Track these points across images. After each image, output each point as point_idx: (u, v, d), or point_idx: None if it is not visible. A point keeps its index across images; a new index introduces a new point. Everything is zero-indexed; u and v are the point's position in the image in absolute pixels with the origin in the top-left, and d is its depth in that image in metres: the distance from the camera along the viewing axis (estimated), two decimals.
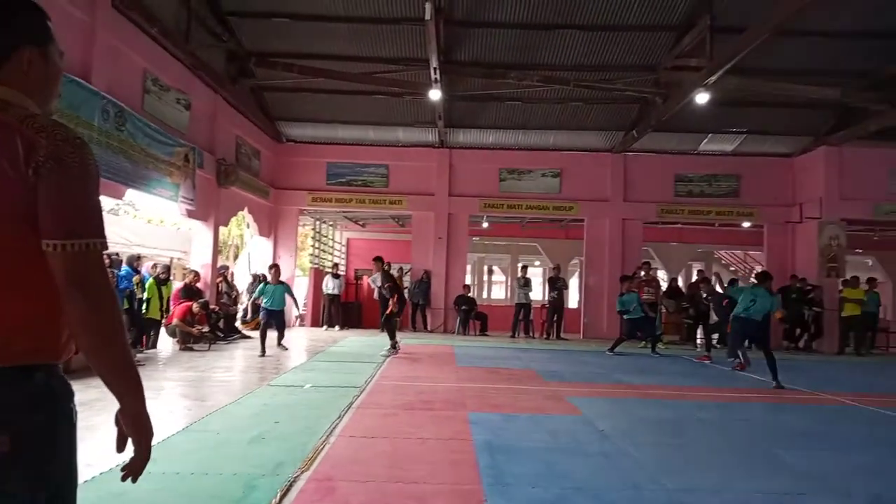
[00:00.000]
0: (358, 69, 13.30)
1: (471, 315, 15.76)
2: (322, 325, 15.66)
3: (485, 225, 19.96)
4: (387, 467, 3.91)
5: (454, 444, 4.54)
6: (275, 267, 10.66)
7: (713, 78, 10.66)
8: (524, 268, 16.34)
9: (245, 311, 14.14)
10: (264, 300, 10.15)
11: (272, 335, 10.04)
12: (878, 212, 14.79)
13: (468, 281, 17.93)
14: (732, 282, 12.98)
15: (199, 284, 11.44)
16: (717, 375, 9.26)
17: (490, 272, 35.92)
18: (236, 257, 21.89)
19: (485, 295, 33.98)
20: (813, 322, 14.39)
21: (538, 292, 20.72)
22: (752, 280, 9.21)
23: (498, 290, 37.58)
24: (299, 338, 12.92)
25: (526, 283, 15.42)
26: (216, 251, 12.95)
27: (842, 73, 12.89)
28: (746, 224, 16.92)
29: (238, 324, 13.04)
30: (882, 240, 21.53)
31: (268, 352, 9.60)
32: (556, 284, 15.12)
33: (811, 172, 15.20)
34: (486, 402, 6.33)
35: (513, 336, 15.25)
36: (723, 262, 28.18)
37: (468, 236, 17.26)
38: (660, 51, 12.65)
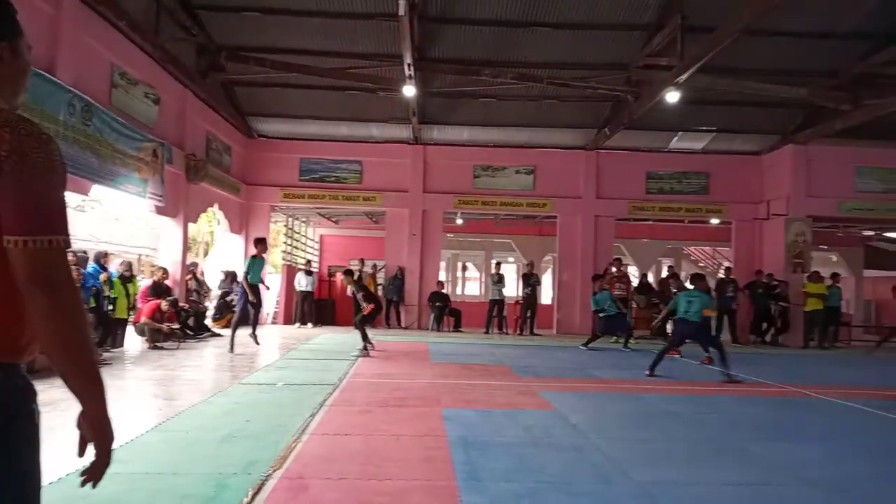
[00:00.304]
0: (331, 64, 13.19)
1: (445, 311, 15.77)
2: (294, 323, 15.53)
3: (459, 221, 19.97)
4: (360, 465, 3.90)
5: (428, 440, 4.54)
6: (262, 239, 10.66)
7: (683, 77, 10.81)
8: (498, 264, 16.42)
9: (217, 308, 13.96)
10: (251, 276, 10.00)
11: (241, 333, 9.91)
12: (842, 209, 15.18)
13: (442, 277, 17.95)
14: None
15: (167, 282, 11.25)
16: (687, 369, 9.42)
17: (464, 269, 35.99)
18: (206, 254, 21.58)
19: (459, 291, 34.02)
20: (779, 317, 14.72)
21: (512, 288, 20.83)
22: (688, 284, 9.37)
23: (472, 287, 37.66)
24: (272, 335, 12.79)
25: (500, 280, 15.50)
26: (185, 248, 12.75)
27: (809, 72, 13.20)
28: (715, 221, 17.22)
29: (209, 322, 12.86)
30: (846, 236, 22.10)
31: (237, 349, 9.47)
32: (530, 281, 15.21)
33: (778, 170, 15.53)
34: (460, 398, 6.35)
35: (487, 332, 15.31)
36: (692, 258, 28.65)
37: (442, 233, 17.26)
38: (632, 49, 12.78)
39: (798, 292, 14.45)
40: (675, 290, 12.92)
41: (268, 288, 12.02)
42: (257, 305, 10.29)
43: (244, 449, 4.13)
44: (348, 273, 10.66)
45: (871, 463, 4.31)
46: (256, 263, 10.10)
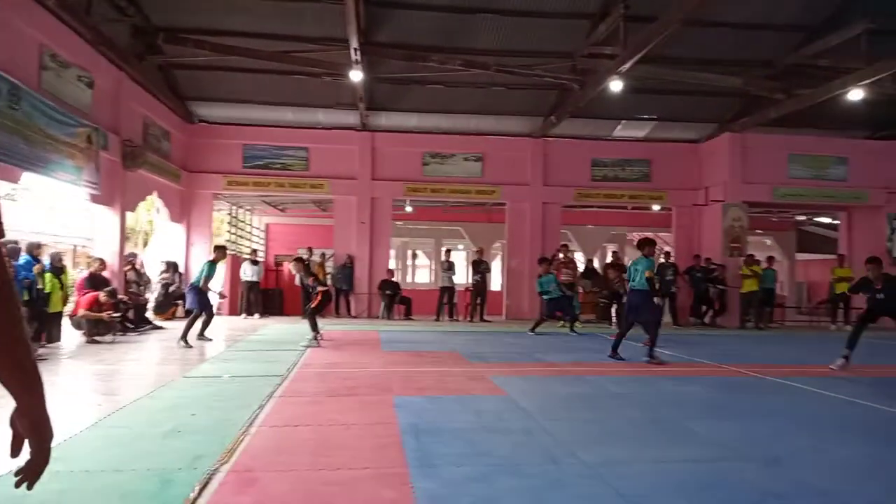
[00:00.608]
0: (275, 47, 12.88)
1: (395, 299, 15.74)
2: (240, 314, 15.21)
3: (408, 209, 19.91)
4: (310, 455, 3.86)
5: (379, 428, 4.54)
6: (223, 248, 10.65)
7: (626, 66, 11.04)
8: (448, 251, 16.44)
9: (158, 300, 13.52)
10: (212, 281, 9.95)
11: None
12: (776, 194, 15.85)
13: (392, 265, 17.87)
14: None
15: (105, 273, 10.82)
16: (632, 351, 9.69)
17: (414, 256, 35.95)
18: (146, 244, 20.84)
19: (409, 279, 34.00)
20: (717, 299, 15.31)
21: (462, 275, 20.95)
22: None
23: (422, 275, 37.69)
24: (217, 327, 12.48)
25: (450, 267, 15.55)
26: (123, 238, 12.29)
27: (745, 62, 13.70)
28: (656, 207, 17.73)
29: (150, 314, 12.46)
30: (780, 220, 23.13)
31: (186, 341, 9.21)
32: (480, 267, 15.33)
33: (716, 158, 16.07)
34: (411, 385, 6.36)
35: (437, 319, 15.37)
36: (635, 243, 29.39)
37: (391, 220, 17.18)
38: (577, 38, 12.96)
39: (735, 275, 15.05)
40: (618, 278, 13.30)
41: (221, 296, 11.70)
42: (210, 314, 10.05)
43: (190, 443, 4.04)
44: (298, 260, 10.42)
45: (806, 437, 4.54)
46: (212, 270, 9.90)
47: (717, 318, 15.41)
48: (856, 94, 12.03)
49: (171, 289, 13.73)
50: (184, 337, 9.15)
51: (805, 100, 12.97)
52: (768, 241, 24.20)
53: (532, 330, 11.99)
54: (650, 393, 6.25)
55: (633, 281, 8.40)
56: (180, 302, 13.92)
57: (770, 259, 16.13)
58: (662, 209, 17.83)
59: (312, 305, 9.82)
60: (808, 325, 16.94)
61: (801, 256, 25.15)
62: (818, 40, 12.57)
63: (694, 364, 8.35)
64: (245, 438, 4.17)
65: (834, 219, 20.39)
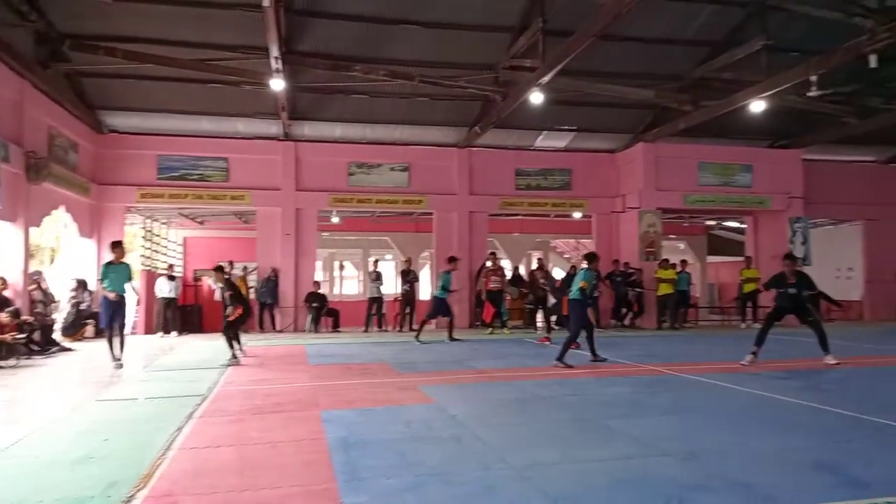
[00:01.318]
0: (190, 55, 12.47)
1: (322, 312, 15.47)
2: (157, 332, 14.51)
3: (335, 220, 19.65)
4: (234, 476, 3.72)
5: (307, 444, 4.43)
6: (118, 243, 9.36)
7: (546, 78, 11.35)
8: (375, 262, 16.33)
9: (67, 320, 12.70)
10: (106, 284, 8.76)
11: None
12: (687, 201, 16.65)
13: (319, 277, 17.57)
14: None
15: (7, 293, 10.09)
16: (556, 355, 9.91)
17: (342, 267, 35.49)
18: (53, 262, 19.58)
19: (337, 291, 33.52)
20: (635, 301, 15.92)
21: (391, 285, 20.87)
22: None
23: (350, 286, 37.25)
24: (132, 347, 11.86)
25: (378, 278, 15.44)
26: (27, 255, 11.49)
27: (656, 76, 14.40)
28: (578, 215, 18.26)
29: (57, 335, 11.69)
30: (691, 225, 24.38)
31: (105, 363, 8.68)
32: (408, 277, 15.30)
33: (631, 167, 16.75)
34: (339, 398, 6.26)
35: (366, 330, 15.21)
36: (558, 250, 30.28)
37: (317, 232, 16.88)
38: (498, 50, 13.25)
39: (651, 278, 15.71)
40: (542, 281, 13.60)
41: (137, 299, 10.93)
42: (122, 325, 9.15)
43: (103, 470, 3.81)
44: (218, 269, 9.77)
45: (720, 431, 4.78)
46: (112, 270, 8.96)
47: (636, 319, 16.02)
48: (757, 106, 12.86)
49: (82, 307, 12.96)
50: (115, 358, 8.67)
51: (712, 111, 13.74)
52: (681, 246, 25.44)
53: (417, 337, 11.99)
54: (575, 395, 6.41)
55: (571, 290, 8.72)
56: (91, 321, 13.18)
57: (683, 262, 16.94)
58: (584, 216, 18.39)
59: (230, 319, 9.34)
60: (720, 325, 17.90)
61: (711, 259, 26.62)
62: (722, 55, 13.37)
63: (616, 365, 8.63)
64: (163, 462, 3.98)
65: (741, 223, 21.68)
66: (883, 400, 5.97)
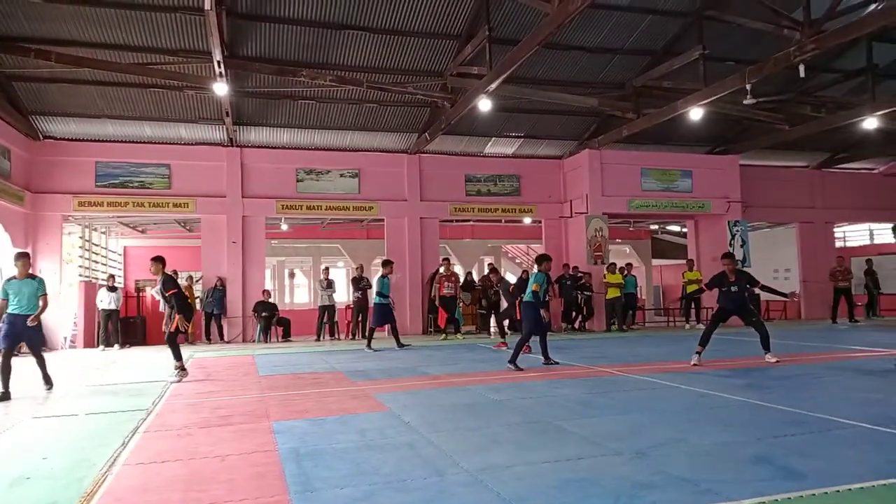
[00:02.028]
0: (129, 59, 12.10)
1: (272, 321, 15.18)
2: (98, 346, 13.96)
3: (284, 227, 19.37)
4: (182, 491, 3.61)
5: (257, 456, 4.34)
6: (24, 255, 7.91)
7: (493, 86, 11.48)
8: (326, 269, 16.13)
9: None
10: (11, 304, 7.44)
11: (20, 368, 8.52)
12: (631, 206, 17.12)
13: (268, 286, 17.24)
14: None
15: None
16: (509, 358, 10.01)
17: (291, 275, 34.94)
18: None
19: (287, 299, 32.99)
20: (585, 305, 16.24)
21: (343, 293, 20.66)
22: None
23: (301, 294, 36.70)
24: (70, 361, 11.38)
25: (329, 285, 15.25)
26: None
27: (599, 84, 14.79)
28: (528, 220, 18.52)
29: None
30: (636, 230, 25.06)
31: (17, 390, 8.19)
32: (360, 284, 15.16)
33: (578, 173, 17.11)
34: (291, 409, 6.15)
35: (318, 339, 15.01)
36: (510, 255, 30.59)
37: (266, 239, 16.57)
38: (446, 57, 13.36)
39: (599, 282, 16.05)
40: (495, 286, 13.72)
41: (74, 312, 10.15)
42: (37, 346, 8.01)
43: (42, 490, 3.64)
44: (157, 260, 8.55)
45: (667, 429, 4.91)
46: (12, 287, 7.53)
47: (585, 322, 16.33)
48: (696, 113, 13.34)
49: None
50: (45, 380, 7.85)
51: (653, 118, 14.18)
52: (627, 249, 26.12)
53: (368, 345, 11.92)
54: (527, 398, 6.48)
55: (524, 293, 8.78)
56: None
57: (629, 266, 17.38)
58: (533, 222, 18.66)
59: (171, 329, 8.40)
60: (665, 326, 18.42)
61: (656, 262, 27.43)
62: (662, 64, 13.84)
63: (567, 367, 8.78)
64: (107, 479, 3.83)
65: (683, 227, 22.41)
66: (819, 396, 6.26)
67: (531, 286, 8.83)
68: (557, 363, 8.99)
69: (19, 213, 13.46)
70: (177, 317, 8.38)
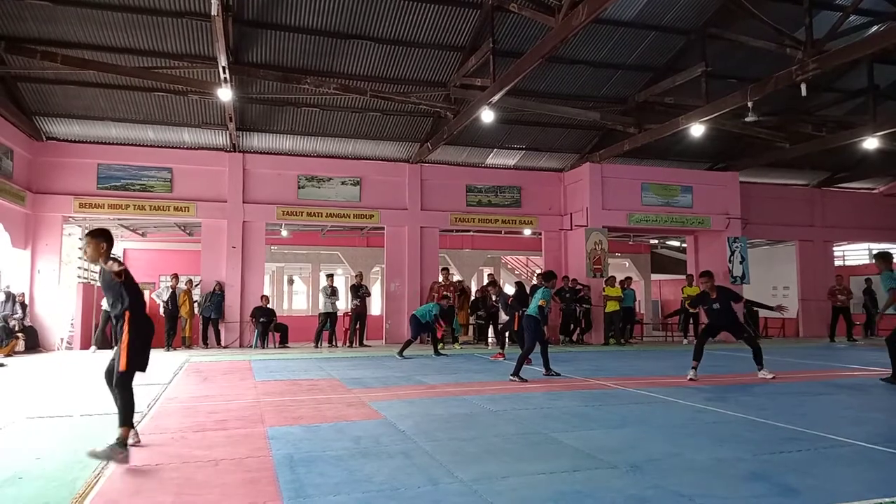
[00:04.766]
0: (135, 63, 12.18)
1: (270, 327, 15.16)
2: (90, 348, 13.92)
3: (284, 233, 19.38)
4: (174, 496, 3.60)
5: (251, 462, 4.32)
6: None
7: (496, 97, 11.55)
8: (330, 276, 16.07)
9: None
10: None
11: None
12: (631, 220, 17.14)
13: (267, 291, 17.23)
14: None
15: None
16: (509, 370, 9.98)
17: (290, 282, 34.92)
18: None
19: (285, 305, 32.95)
20: (583, 317, 16.23)
21: (341, 300, 20.66)
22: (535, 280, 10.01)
23: (299, 300, 36.64)
24: (66, 362, 11.35)
25: (334, 293, 15.22)
26: None
27: (601, 98, 14.88)
28: (527, 232, 18.54)
29: None
30: (636, 244, 25.08)
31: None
32: (359, 292, 15.18)
33: (578, 186, 17.15)
34: (286, 415, 6.13)
35: (316, 346, 14.98)
36: (509, 266, 30.61)
37: (266, 245, 16.58)
38: (450, 68, 13.44)
39: (599, 295, 16.05)
40: (494, 297, 13.71)
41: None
42: None
43: (33, 490, 3.62)
44: (98, 234, 4.66)
45: (663, 443, 4.90)
46: None
47: (584, 335, 16.31)
48: (697, 130, 13.40)
49: (11, 322, 12.36)
50: None
51: (654, 133, 14.25)
52: (626, 263, 26.12)
53: (401, 353, 12.02)
54: (523, 409, 6.46)
55: (528, 307, 8.76)
56: (21, 335, 12.60)
57: (628, 280, 17.38)
58: (533, 234, 18.68)
59: (125, 338, 4.48)
60: (663, 340, 18.39)
61: (655, 276, 27.41)
62: (664, 80, 13.92)
63: (564, 380, 8.76)
64: (99, 481, 3.81)
65: (682, 242, 22.42)
66: (815, 413, 6.25)
67: (538, 301, 8.82)
68: (559, 374, 8.99)
69: (20, 213, 13.49)
70: (127, 322, 4.52)
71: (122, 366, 4.40)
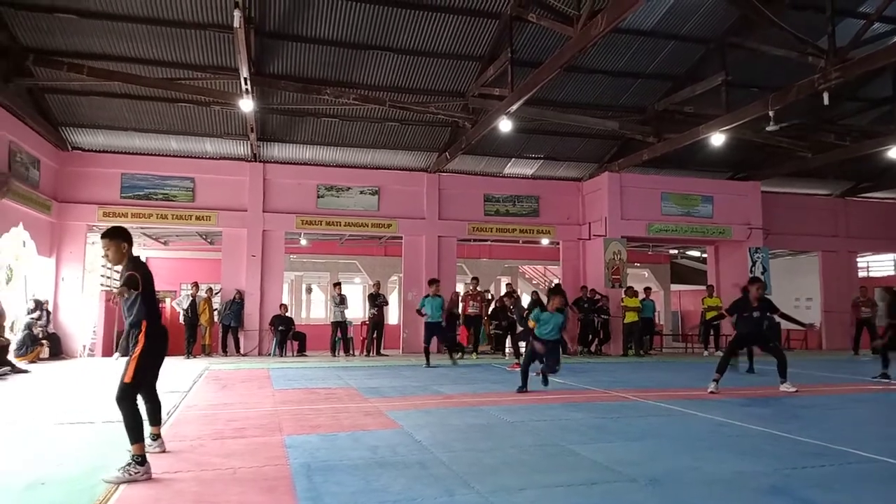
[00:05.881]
0: (158, 74, 12.39)
1: (288, 335, 15.26)
2: (113, 354, 14.10)
3: (303, 242, 19.54)
4: (193, 503, 3.63)
5: (269, 470, 4.34)
6: None
7: (514, 107, 11.57)
8: (336, 285, 16.11)
9: (22, 341, 12.30)
10: None
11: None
12: (650, 230, 17.02)
13: (285, 300, 17.35)
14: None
15: None
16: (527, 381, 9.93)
17: (309, 290, 35.14)
18: (9, 280, 18.98)
19: (304, 314, 33.15)
20: (601, 328, 16.10)
21: (358, 309, 20.73)
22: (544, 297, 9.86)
23: (318, 309, 36.84)
24: (88, 369, 11.52)
25: (342, 301, 15.30)
26: None
27: (620, 107, 14.83)
28: (545, 241, 18.48)
29: (11, 356, 11.29)
30: (655, 254, 24.86)
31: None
32: (377, 301, 15.22)
33: (597, 195, 17.08)
34: (303, 423, 6.16)
35: (333, 355, 15.04)
36: (526, 276, 30.50)
37: (285, 254, 16.73)
38: (468, 78, 13.49)
39: (617, 305, 15.92)
40: (511, 308, 13.68)
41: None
42: None
43: (55, 495, 3.68)
44: (113, 234, 4.47)
45: (682, 457, 4.83)
46: None
47: (602, 345, 16.18)
48: (717, 139, 13.29)
49: (36, 329, 12.59)
50: None
51: (674, 143, 14.16)
52: (646, 274, 25.88)
53: (454, 361, 12.27)
54: (541, 420, 6.42)
55: (547, 330, 8.41)
56: (46, 342, 12.82)
57: (647, 290, 17.23)
58: (551, 243, 18.61)
59: (136, 352, 4.38)
60: (683, 352, 18.17)
61: (674, 287, 27.13)
62: (684, 89, 13.84)
63: (582, 391, 8.69)
64: (119, 488, 3.85)
65: (703, 252, 22.17)
66: (839, 428, 6.13)
67: (528, 322, 8.52)
68: (545, 387, 8.58)
69: (45, 222, 13.76)
70: (143, 324, 4.47)
71: (128, 377, 4.33)
